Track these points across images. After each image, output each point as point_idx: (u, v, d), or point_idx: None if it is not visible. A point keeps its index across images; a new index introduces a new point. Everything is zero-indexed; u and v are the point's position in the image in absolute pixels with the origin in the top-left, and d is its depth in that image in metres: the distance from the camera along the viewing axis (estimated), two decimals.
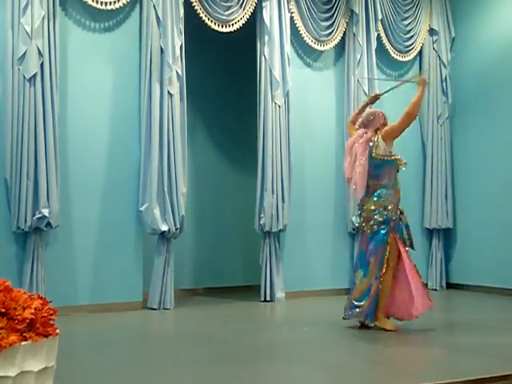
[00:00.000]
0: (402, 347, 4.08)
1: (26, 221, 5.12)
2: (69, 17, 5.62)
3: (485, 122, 7.08)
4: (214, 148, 7.41)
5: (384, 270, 4.43)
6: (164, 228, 5.70)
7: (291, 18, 6.59)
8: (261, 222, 6.27)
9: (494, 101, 6.98)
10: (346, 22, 6.96)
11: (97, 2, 5.60)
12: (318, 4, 6.79)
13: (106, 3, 5.63)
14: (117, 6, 5.69)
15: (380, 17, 7.06)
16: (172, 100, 5.77)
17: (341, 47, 7.02)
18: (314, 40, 6.78)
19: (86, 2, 5.56)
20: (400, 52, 7.36)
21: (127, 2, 5.75)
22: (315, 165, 6.83)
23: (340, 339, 4.38)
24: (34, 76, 5.17)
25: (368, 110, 4.85)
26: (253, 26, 6.41)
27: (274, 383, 3.23)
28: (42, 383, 2.25)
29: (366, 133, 4.64)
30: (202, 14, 6.07)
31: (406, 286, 4.46)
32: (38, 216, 5.14)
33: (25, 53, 5.14)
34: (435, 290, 7.27)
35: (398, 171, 4.61)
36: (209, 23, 6.13)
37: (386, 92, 5.05)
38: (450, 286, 7.37)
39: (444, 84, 7.46)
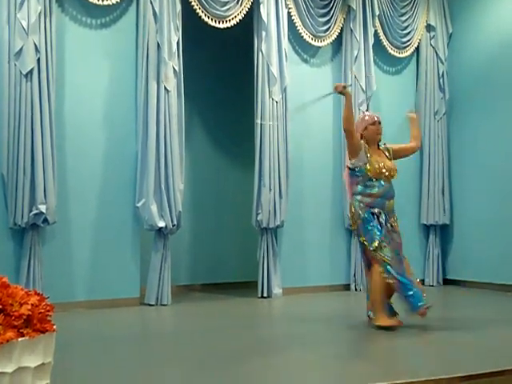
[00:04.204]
0: (398, 343, 4.09)
1: (22, 217, 5.11)
2: (65, 12, 5.61)
3: (482, 118, 7.08)
4: (211, 144, 7.41)
5: None
6: (161, 224, 5.70)
7: (288, 13, 6.59)
8: (258, 218, 6.27)
9: (491, 97, 6.99)
10: (344, 18, 6.95)
11: None
12: (315, 0, 6.78)
13: None
14: (113, 1, 5.67)
15: (377, 13, 7.06)
16: (169, 96, 5.76)
17: (338, 43, 7.02)
18: (311, 36, 6.77)
19: None
20: (397, 48, 7.36)
21: None
22: (313, 161, 6.83)
23: (337, 335, 4.39)
24: (31, 71, 5.16)
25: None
26: (250, 21, 6.40)
27: (271, 379, 3.23)
28: (40, 379, 2.25)
29: None
30: (198, 10, 6.05)
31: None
32: (34, 212, 5.13)
33: (21, 48, 5.12)
34: (432, 286, 7.29)
35: (369, 179, 4.53)
36: (205, 19, 6.11)
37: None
38: (446, 281, 7.39)
39: (441, 80, 7.46)
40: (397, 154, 4.81)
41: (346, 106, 4.59)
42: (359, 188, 4.55)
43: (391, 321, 4.43)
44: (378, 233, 4.41)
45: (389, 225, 4.53)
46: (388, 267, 4.37)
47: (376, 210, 4.48)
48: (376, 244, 4.38)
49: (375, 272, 4.42)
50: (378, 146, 4.72)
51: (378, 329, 4.35)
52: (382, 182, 4.53)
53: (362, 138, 4.60)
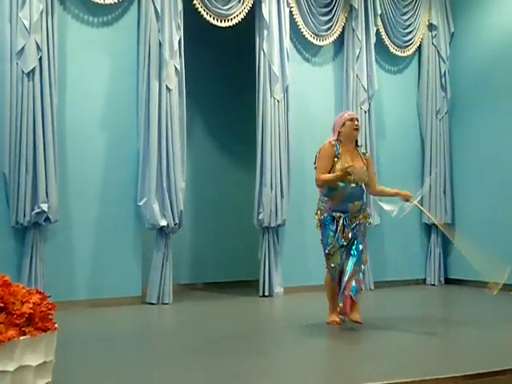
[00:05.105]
0: (399, 342, 4.09)
1: (24, 215, 5.12)
2: (67, 11, 5.61)
3: (484, 117, 7.07)
4: (212, 143, 7.40)
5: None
6: (163, 223, 5.70)
7: (290, 12, 6.58)
8: (260, 218, 6.27)
9: (493, 96, 6.97)
10: (345, 17, 6.94)
11: None
12: None
13: None
14: (115, 0, 5.67)
15: (379, 12, 7.05)
16: (170, 95, 5.77)
17: (340, 42, 7.01)
18: (313, 35, 6.77)
19: None
20: (399, 47, 7.35)
21: None
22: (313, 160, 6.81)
23: (337, 333, 4.39)
24: (33, 70, 5.16)
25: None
26: (252, 20, 6.39)
27: (270, 377, 3.23)
28: (41, 378, 2.26)
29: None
30: (200, 9, 6.05)
31: None
32: (36, 211, 5.13)
33: (23, 47, 5.12)
34: (433, 285, 7.29)
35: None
36: (207, 18, 6.11)
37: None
38: (448, 281, 7.39)
39: (443, 79, 7.45)
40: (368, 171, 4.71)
41: (333, 178, 4.50)
42: (325, 189, 4.60)
43: (333, 317, 4.61)
44: (330, 241, 4.50)
45: (348, 229, 4.51)
46: (333, 274, 4.57)
47: (337, 214, 4.51)
48: (327, 251, 4.54)
49: (327, 273, 4.65)
50: (357, 144, 4.70)
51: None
52: (347, 185, 4.50)
53: (339, 135, 4.61)
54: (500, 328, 4.53)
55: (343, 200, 4.51)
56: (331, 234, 4.49)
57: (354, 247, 4.53)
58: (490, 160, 6.95)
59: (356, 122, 4.64)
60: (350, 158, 4.56)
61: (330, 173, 4.51)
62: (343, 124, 4.61)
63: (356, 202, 4.55)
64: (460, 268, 7.33)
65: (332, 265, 4.51)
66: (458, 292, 6.89)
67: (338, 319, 4.58)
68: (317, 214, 4.63)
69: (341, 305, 4.46)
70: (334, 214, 4.51)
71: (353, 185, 4.52)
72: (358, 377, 3.17)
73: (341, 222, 4.49)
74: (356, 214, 4.56)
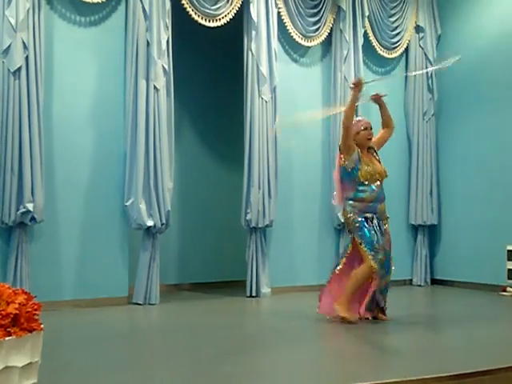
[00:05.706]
0: (385, 341, 4.10)
1: (10, 215, 5.08)
2: (54, 10, 5.57)
3: (470, 118, 7.13)
4: (200, 143, 7.39)
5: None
6: (150, 223, 5.68)
7: (278, 13, 6.59)
8: (247, 218, 6.27)
9: (479, 98, 7.03)
10: (333, 19, 6.97)
11: None
12: (305, 0, 6.79)
13: None
14: None
15: (367, 13, 7.09)
16: (158, 95, 5.75)
17: (328, 43, 7.03)
18: (300, 36, 6.78)
19: None
20: (386, 49, 7.39)
21: None
22: (302, 161, 6.84)
23: (326, 334, 4.40)
24: (19, 69, 5.12)
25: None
26: (240, 21, 6.39)
27: (259, 377, 3.23)
28: (27, 378, 2.24)
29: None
30: (188, 9, 6.04)
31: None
32: (22, 210, 5.09)
33: (9, 45, 5.09)
34: (420, 285, 7.34)
35: (360, 183, 4.66)
36: (196, 18, 6.10)
37: (370, 82, 5.04)
38: (434, 281, 7.43)
39: (430, 81, 7.50)
40: (379, 147, 4.95)
41: (349, 102, 4.69)
42: (351, 194, 4.69)
43: (353, 315, 4.62)
44: (374, 238, 4.60)
45: (382, 228, 4.69)
46: (378, 269, 4.62)
47: (369, 215, 4.63)
48: (377, 246, 4.60)
49: (367, 265, 4.60)
50: (367, 150, 4.84)
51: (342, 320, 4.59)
52: (373, 187, 4.67)
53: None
54: (486, 328, 4.57)
55: (372, 201, 4.65)
56: (373, 232, 4.60)
57: (388, 262, 4.74)
58: (477, 161, 7.01)
59: (370, 131, 4.79)
60: (369, 160, 4.74)
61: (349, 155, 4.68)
62: (358, 133, 4.74)
63: (382, 203, 4.72)
64: (446, 269, 7.39)
65: (380, 257, 4.60)
66: (445, 292, 6.94)
67: (353, 319, 4.58)
68: (348, 215, 4.70)
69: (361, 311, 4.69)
70: (365, 215, 4.63)
71: (374, 188, 4.66)
72: (346, 377, 3.18)
73: (375, 221, 4.63)
74: (383, 214, 4.72)
